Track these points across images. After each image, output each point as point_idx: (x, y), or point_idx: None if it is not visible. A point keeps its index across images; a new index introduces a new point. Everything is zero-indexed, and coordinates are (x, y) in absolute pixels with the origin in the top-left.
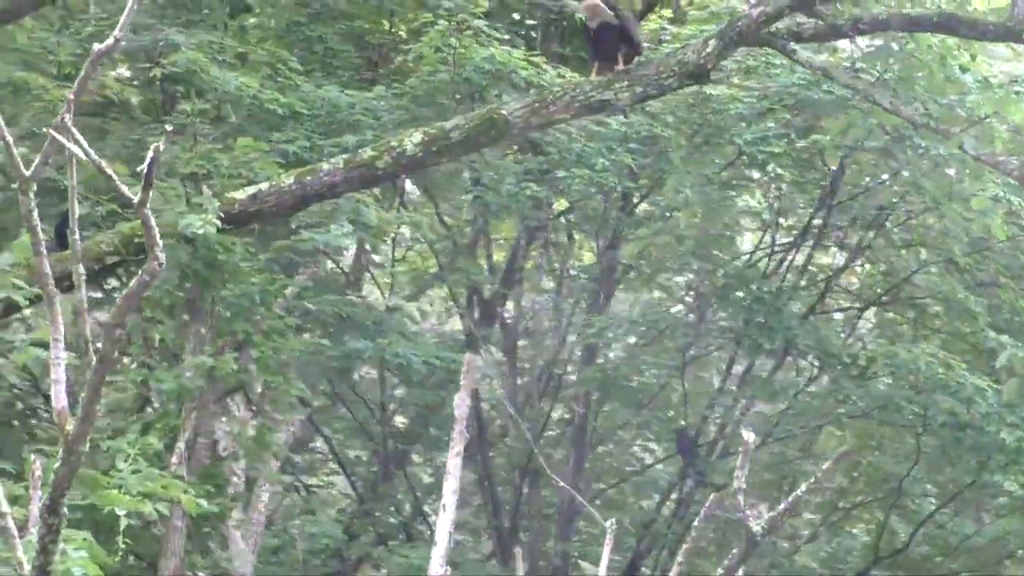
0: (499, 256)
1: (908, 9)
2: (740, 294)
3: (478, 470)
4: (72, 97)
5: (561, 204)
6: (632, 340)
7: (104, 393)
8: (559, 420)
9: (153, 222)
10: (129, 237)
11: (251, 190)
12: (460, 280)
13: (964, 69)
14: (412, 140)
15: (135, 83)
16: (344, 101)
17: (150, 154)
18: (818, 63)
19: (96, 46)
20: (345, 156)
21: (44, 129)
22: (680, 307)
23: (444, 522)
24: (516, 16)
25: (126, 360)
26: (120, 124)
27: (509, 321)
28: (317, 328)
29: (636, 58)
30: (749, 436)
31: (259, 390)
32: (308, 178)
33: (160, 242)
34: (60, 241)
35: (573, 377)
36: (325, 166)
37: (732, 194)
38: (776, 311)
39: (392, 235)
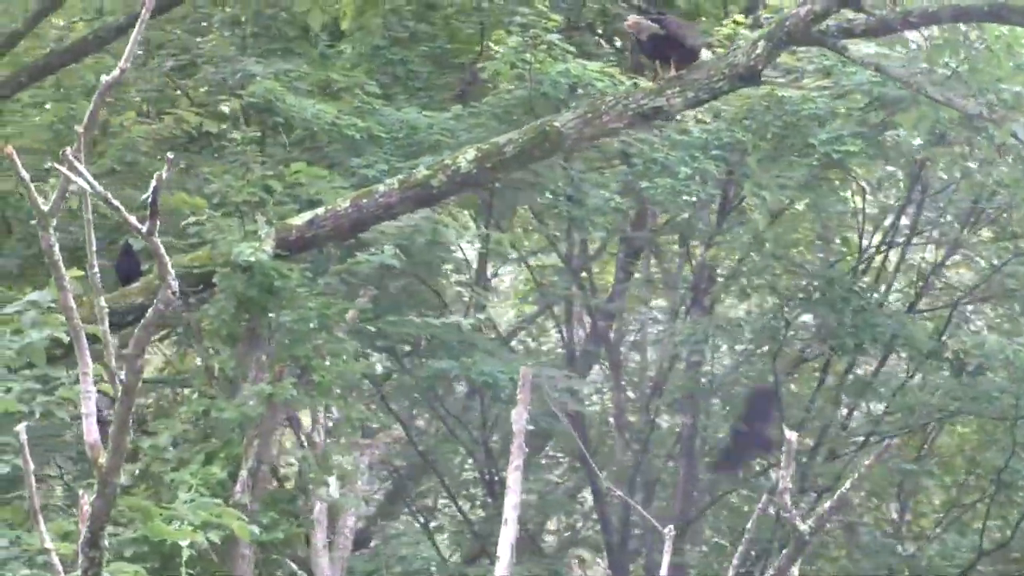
0: (610, 271)
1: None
2: (824, 294)
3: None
4: (82, 130)
5: (664, 216)
6: (725, 347)
7: (168, 425)
8: (670, 431)
9: (163, 251)
10: (187, 269)
11: (307, 216)
12: (561, 296)
13: None
14: (466, 157)
15: (209, 115)
16: (423, 122)
17: (153, 183)
18: (870, 59)
19: (103, 77)
20: (400, 177)
21: (59, 165)
22: (779, 311)
23: (506, 536)
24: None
25: (187, 391)
26: (202, 158)
27: (612, 335)
28: (410, 349)
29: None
30: (791, 435)
31: (321, 414)
32: (364, 201)
33: (172, 271)
34: (121, 277)
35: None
36: (381, 188)
37: (828, 197)
38: (861, 310)
39: (483, 253)
